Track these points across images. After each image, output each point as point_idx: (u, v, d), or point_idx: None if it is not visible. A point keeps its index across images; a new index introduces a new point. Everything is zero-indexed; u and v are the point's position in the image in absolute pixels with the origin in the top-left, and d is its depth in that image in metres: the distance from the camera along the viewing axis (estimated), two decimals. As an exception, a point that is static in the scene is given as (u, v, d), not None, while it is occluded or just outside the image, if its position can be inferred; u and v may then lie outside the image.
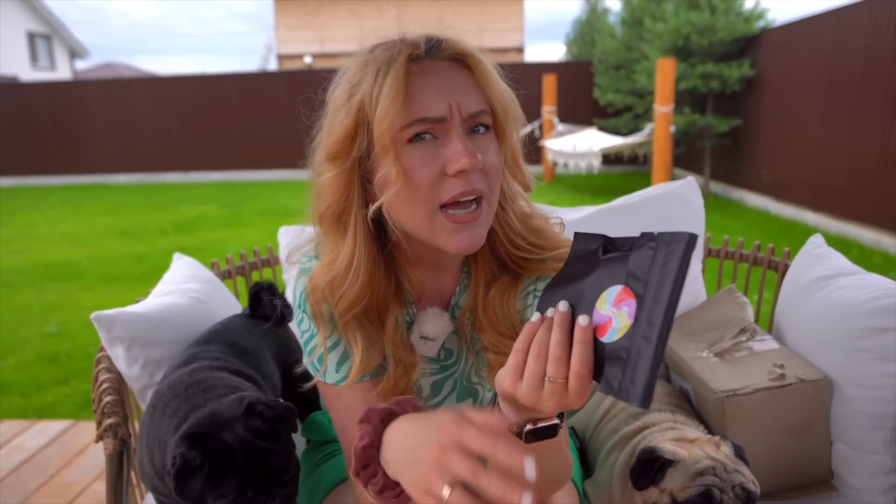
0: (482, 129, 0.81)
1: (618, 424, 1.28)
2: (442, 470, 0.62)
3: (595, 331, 0.64)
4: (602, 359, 0.63)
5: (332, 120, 0.82)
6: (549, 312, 0.67)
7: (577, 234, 0.73)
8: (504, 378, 0.69)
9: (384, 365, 0.90)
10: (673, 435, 1.16)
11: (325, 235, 0.87)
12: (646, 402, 0.58)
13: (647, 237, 0.63)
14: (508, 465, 0.60)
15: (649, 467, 1.06)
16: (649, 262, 0.61)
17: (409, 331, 0.94)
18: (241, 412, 0.92)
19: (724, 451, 1.07)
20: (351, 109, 0.79)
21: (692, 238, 0.59)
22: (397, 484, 0.70)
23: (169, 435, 0.97)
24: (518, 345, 0.67)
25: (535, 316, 0.68)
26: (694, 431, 1.18)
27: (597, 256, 0.68)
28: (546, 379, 0.65)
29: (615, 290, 0.64)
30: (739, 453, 1.08)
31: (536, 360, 0.65)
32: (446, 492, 0.61)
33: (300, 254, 0.95)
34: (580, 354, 0.63)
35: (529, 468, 0.59)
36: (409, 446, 0.68)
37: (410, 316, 0.94)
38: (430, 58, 0.80)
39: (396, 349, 0.89)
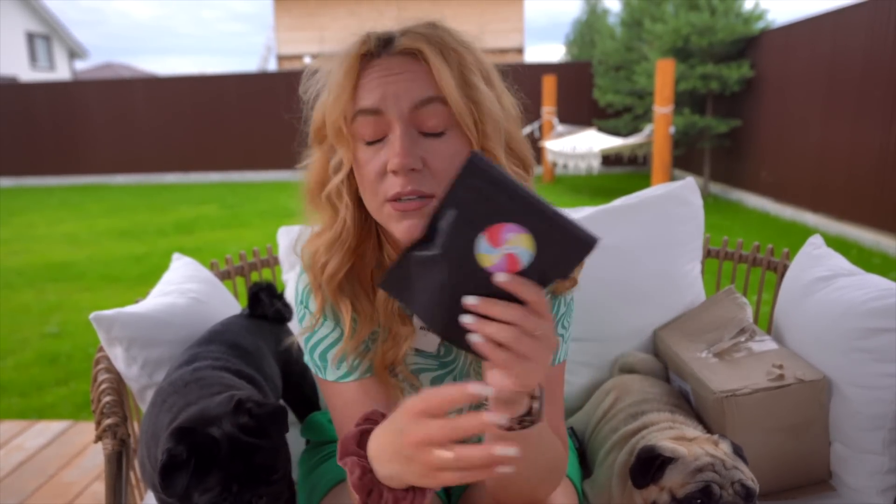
0: (438, 133, 0.79)
1: (617, 424, 1.29)
2: (427, 445, 0.63)
3: (512, 270, 0.64)
4: (542, 273, 0.64)
5: (312, 111, 0.88)
6: (468, 319, 0.65)
7: (385, 276, 0.72)
8: (510, 399, 0.68)
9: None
10: (672, 434, 1.16)
11: (314, 210, 0.90)
12: (592, 238, 0.62)
13: (439, 208, 0.66)
14: (457, 398, 0.62)
15: (649, 465, 1.06)
16: (476, 200, 0.62)
17: None
18: (230, 409, 0.92)
19: (723, 449, 1.07)
20: (319, 103, 0.85)
21: (472, 154, 0.62)
22: (405, 492, 0.71)
23: (163, 431, 0.97)
24: (489, 364, 0.67)
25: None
26: (693, 431, 1.18)
27: (422, 259, 0.68)
28: (532, 344, 0.65)
29: (482, 242, 0.63)
30: (738, 452, 1.08)
31: (520, 361, 0.65)
32: (449, 454, 0.62)
33: (301, 247, 0.95)
34: (527, 293, 0.64)
35: (477, 387, 0.61)
36: (390, 453, 0.69)
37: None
38: (385, 53, 0.81)
39: (388, 318, 0.89)
